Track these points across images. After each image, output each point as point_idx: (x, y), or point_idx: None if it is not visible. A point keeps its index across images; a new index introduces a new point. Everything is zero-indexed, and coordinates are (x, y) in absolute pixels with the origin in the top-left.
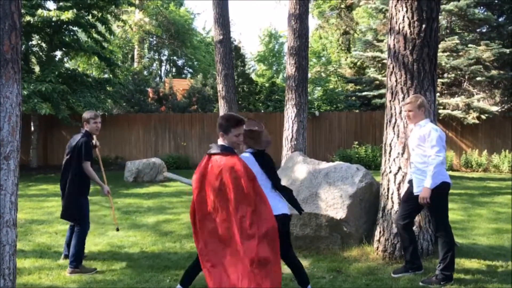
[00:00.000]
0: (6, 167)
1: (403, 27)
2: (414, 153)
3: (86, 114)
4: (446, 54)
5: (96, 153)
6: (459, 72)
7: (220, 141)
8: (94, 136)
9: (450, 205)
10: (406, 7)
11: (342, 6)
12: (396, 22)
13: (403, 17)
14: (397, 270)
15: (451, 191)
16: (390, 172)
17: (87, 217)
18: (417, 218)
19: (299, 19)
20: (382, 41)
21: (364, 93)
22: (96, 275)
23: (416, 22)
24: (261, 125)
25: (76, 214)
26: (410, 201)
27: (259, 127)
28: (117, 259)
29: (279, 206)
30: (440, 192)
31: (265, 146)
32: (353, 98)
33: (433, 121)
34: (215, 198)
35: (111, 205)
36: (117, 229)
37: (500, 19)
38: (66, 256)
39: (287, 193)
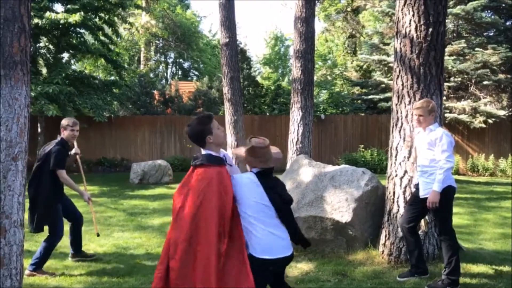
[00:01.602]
0: (14, 168)
1: (410, 30)
2: (422, 157)
3: (64, 121)
4: (452, 57)
5: (77, 160)
6: (465, 76)
7: (206, 150)
8: (75, 143)
9: (456, 210)
10: (413, 10)
11: (349, 9)
12: (403, 25)
13: (410, 20)
14: (402, 274)
15: (457, 195)
16: (396, 175)
17: (60, 226)
18: (423, 222)
19: (305, 22)
20: (388, 44)
21: (370, 97)
22: (102, 276)
23: (422, 26)
24: (265, 140)
25: (48, 223)
26: (416, 204)
27: (263, 143)
28: (122, 261)
29: (278, 246)
30: (446, 196)
31: (275, 163)
32: (359, 101)
33: (440, 125)
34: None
35: (92, 211)
36: (98, 235)
37: (507, 23)
38: (73, 255)
39: (291, 229)
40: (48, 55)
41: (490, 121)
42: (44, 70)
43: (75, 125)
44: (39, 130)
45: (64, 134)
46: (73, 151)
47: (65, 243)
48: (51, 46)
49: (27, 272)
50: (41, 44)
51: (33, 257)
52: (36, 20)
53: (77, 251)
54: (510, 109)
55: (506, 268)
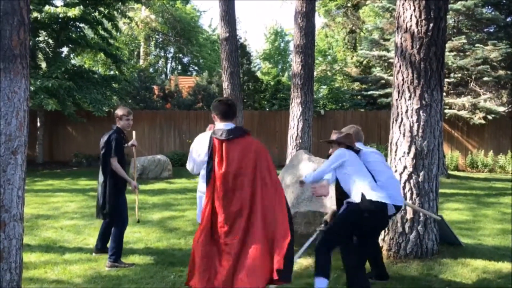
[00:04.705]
0: (14, 162)
1: (411, 25)
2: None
3: (119, 111)
4: (453, 53)
5: (132, 151)
6: (465, 72)
7: (230, 124)
8: (134, 135)
9: (456, 205)
10: (414, 5)
11: (349, 4)
12: (404, 20)
13: (411, 15)
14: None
15: (456, 191)
16: (396, 171)
17: (125, 213)
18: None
19: (306, 17)
20: (388, 40)
21: (370, 92)
22: (101, 269)
23: (423, 21)
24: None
25: (112, 212)
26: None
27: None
28: (122, 255)
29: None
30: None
31: (357, 148)
32: (359, 97)
33: (440, 121)
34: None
35: (136, 200)
36: (138, 221)
37: (508, 19)
38: (98, 250)
39: None
40: (48, 49)
41: (489, 117)
42: (43, 64)
43: (130, 115)
44: (38, 124)
45: (120, 123)
46: (130, 143)
47: (64, 237)
48: (50, 40)
49: (108, 263)
50: (40, 38)
51: (109, 249)
52: (35, 14)
53: (103, 247)
54: (509, 106)
55: (505, 264)
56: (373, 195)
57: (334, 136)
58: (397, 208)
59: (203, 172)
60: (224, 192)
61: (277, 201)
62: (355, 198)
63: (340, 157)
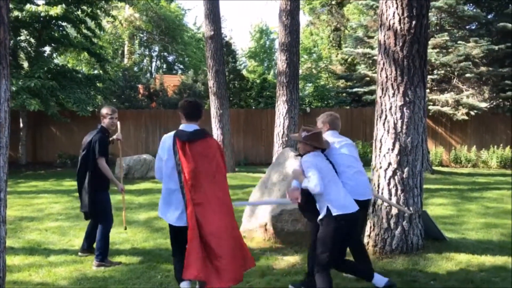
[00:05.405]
0: None
1: (394, 23)
2: None
3: (103, 110)
4: (435, 50)
5: (118, 147)
6: (448, 69)
7: (194, 126)
8: (119, 129)
9: (440, 200)
10: (397, 3)
11: (333, 2)
12: (387, 18)
13: (394, 13)
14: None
15: (441, 186)
16: (381, 167)
17: (109, 212)
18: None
19: (290, 15)
20: (372, 37)
21: (354, 90)
22: (87, 271)
23: (406, 19)
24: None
25: (98, 210)
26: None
27: (317, 129)
28: (108, 256)
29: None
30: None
31: (327, 146)
32: (344, 94)
33: (424, 117)
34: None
35: (123, 203)
36: (125, 228)
37: (489, 16)
38: (84, 250)
39: None
40: (29, 49)
41: (472, 113)
42: (25, 64)
43: (114, 113)
44: (21, 125)
45: (104, 122)
46: (115, 136)
47: (49, 239)
48: (32, 39)
49: (95, 263)
50: (22, 38)
51: (95, 248)
52: (16, 13)
53: (90, 247)
54: (491, 101)
55: (487, 257)
56: (336, 211)
57: (303, 134)
58: (365, 202)
59: (167, 170)
60: (190, 187)
61: (228, 194)
62: (322, 211)
63: (308, 169)
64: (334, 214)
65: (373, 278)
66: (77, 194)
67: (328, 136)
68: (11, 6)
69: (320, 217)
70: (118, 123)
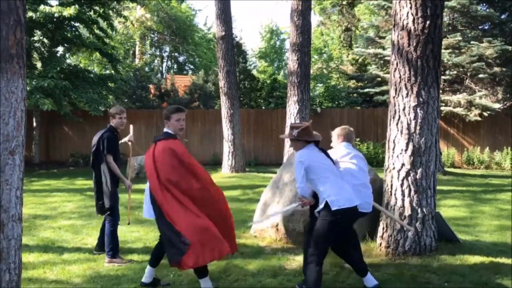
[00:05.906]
0: (12, 162)
1: (407, 23)
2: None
3: (112, 110)
4: (448, 51)
5: (129, 148)
6: (461, 69)
7: (165, 129)
8: (131, 130)
9: (453, 202)
10: (410, 3)
11: (344, 2)
12: (400, 18)
13: (407, 13)
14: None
15: (453, 188)
16: (394, 168)
17: (117, 208)
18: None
19: (302, 15)
20: (384, 38)
21: (365, 90)
22: (100, 269)
23: (420, 19)
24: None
25: (107, 204)
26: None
27: (305, 123)
28: (120, 254)
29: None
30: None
31: (318, 138)
32: (355, 95)
33: (437, 118)
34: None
35: (129, 200)
36: (128, 223)
37: (502, 16)
38: (99, 248)
39: None
40: (43, 49)
41: (485, 114)
42: (38, 64)
43: (122, 113)
44: (34, 124)
45: (113, 122)
46: (127, 138)
47: (63, 237)
48: (45, 40)
49: (106, 259)
50: (36, 38)
51: (105, 246)
52: (30, 14)
53: (103, 246)
54: (505, 102)
55: (502, 260)
56: (335, 205)
57: (294, 132)
58: (363, 215)
59: None
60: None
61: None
62: (320, 205)
63: (300, 164)
64: (332, 208)
65: (366, 276)
66: (89, 193)
67: (342, 147)
68: (26, 7)
69: (317, 209)
70: (131, 126)
